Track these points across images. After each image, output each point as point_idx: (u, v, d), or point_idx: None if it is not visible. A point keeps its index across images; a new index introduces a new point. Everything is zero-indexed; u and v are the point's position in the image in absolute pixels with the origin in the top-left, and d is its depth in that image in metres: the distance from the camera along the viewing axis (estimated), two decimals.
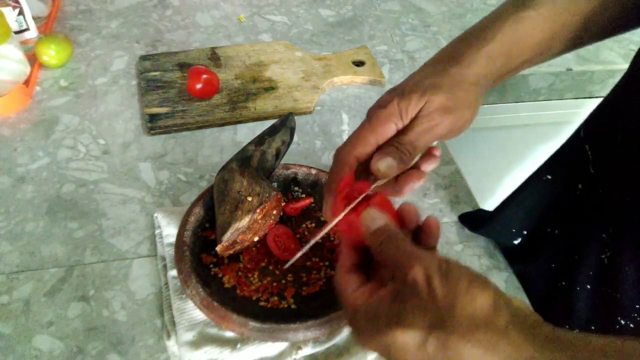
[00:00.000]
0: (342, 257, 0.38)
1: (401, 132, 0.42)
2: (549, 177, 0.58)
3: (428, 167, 0.45)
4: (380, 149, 0.42)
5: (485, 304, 0.29)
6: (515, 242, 0.61)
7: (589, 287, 0.52)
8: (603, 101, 0.54)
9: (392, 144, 0.42)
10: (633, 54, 0.49)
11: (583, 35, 0.47)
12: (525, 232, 0.60)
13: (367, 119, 0.43)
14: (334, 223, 0.40)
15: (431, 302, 0.30)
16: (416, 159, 0.45)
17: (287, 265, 0.48)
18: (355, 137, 0.43)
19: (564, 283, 0.55)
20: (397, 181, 0.44)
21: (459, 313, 0.29)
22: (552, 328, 0.30)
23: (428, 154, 0.45)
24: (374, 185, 0.42)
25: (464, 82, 0.43)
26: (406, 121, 0.42)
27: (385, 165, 0.41)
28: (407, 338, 0.30)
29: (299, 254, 0.43)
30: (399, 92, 0.42)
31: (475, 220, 0.63)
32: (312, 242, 0.42)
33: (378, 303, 0.32)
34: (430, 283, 0.30)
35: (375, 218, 0.36)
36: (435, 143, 0.46)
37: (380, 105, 0.43)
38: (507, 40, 0.45)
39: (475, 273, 0.31)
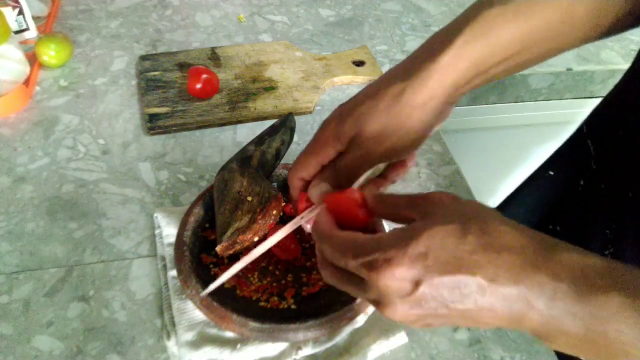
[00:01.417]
0: (332, 227, 0.36)
1: (340, 155, 0.42)
2: (551, 172, 0.58)
3: (395, 177, 0.44)
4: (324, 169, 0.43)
5: (502, 215, 0.32)
6: None
7: None
8: (606, 97, 0.54)
9: (329, 167, 0.42)
10: (633, 54, 0.49)
11: (568, 35, 0.42)
12: None
13: (312, 138, 0.43)
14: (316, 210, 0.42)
15: (462, 206, 0.32)
16: (380, 169, 0.45)
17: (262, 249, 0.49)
18: (299, 160, 0.44)
19: None
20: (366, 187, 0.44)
21: (487, 211, 0.32)
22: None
23: (397, 164, 0.44)
24: (361, 181, 0.43)
25: (405, 104, 0.39)
26: (344, 145, 0.41)
27: (317, 191, 0.41)
28: (448, 231, 0.29)
29: (280, 234, 0.45)
30: (338, 115, 0.42)
31: None
32: (280, 233, 0.44)
33: (402, 228, 0.31)
34: (454, 198, 0.33)
35: (376, 188, 0.39)
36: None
37: (324, 124, 0.43)
38: (470, 46, 0.39)
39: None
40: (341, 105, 0.43)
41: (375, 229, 0.38)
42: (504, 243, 0.29)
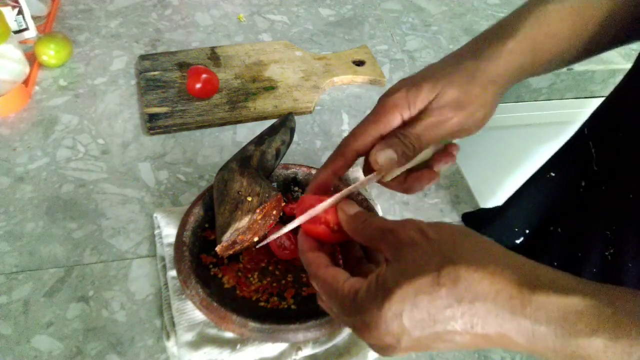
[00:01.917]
0: (314, 258, 0.37)
1: (408, 124, 0.40)
2: (552, 174, 0.58)
3: (443, 166, 0.43)
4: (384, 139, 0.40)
5: (479, 240, 0.31)
6: (517, 241, 0.60)
7: None
8: (607, 98, 0.54)
9: (396, 135, 0.39)
10: (634, 54, 0.49)
11: (604, 35, 0.45)
12: (527, 231, 0.60)
13: (373, 108, 0.41)
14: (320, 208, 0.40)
15: (430, 247, 0.31)
16: (429, 154, 0.43)
17: (259, 245, 0.49)
18: (358, 127, 0.41)
19: None
20: (407, 179, 0.43)
21: (460, 249, 0.30)
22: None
23: (444, 151, 0.43)
24: (378, 176, 0.41)
25: (481, 79, 0.40)
26: (414, 112, 0.40)
27: (384, 157, 0.39)
28: (418, 288, 0.29)
29: (277, 234, 0.43)
30: (410, 81, 0.40)
31: (478, 220, 0.63)
32: (285, 229, 0.42)
33: (378, 276, 0.31)
34: (423, 234, 0.31)
35: (350, 205, 0.37)
36: (455, 140, 0.45)
37: (388, 93, 0.41)
38: (531, 35, 0.42)
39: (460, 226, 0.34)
40: (404, 79, 0.42)
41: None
42: (477, 292, 0.28)
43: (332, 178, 0.42)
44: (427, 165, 0.43)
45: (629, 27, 0.45)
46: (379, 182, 0.43)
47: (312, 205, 0.39)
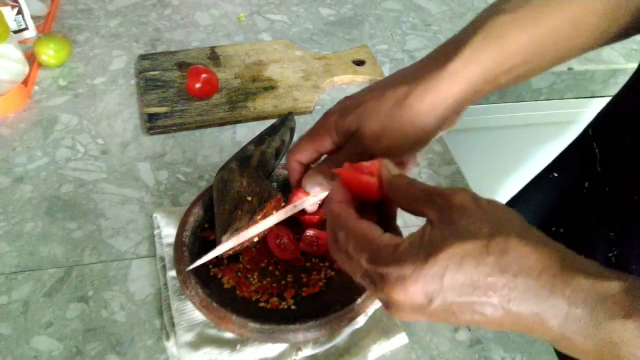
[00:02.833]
0: (343, 209, 0.35)
1: (339, 148, 0.43)
2: (555, 174, 0.57)
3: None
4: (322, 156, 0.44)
5: (525, 221, 0.31)
6: None
7: None
8: (612, 100, 0.54)
9: (325, 161, 0.43)
10: (634, 53, 0.49)
11: (570, 42, 0.41)
12: None
13: (314, 125, 0.44)
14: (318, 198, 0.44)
15: (483, 215, 0.30)
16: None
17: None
18: (298, 144, 0.45)
19: None
20: None
21: (511, 222, 0.30)
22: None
23: (398, 163, 0.43)
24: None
25: (409, 110, 0.39)
26: (341, 139, 0.42)
27: (311, 184, 0.43)
28: (467, 251, 0.29)
29: (273, 218, 0.48)
30: (340, 108, 0.42)
31: None
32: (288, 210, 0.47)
33: (423, 235, 0.30)
34: (477, 202, 0.31)
35: (394, 166, 0.36)
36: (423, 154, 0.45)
37: (325, 115, 0.44)
38: (481, 53, 0.38)
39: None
40: (345, 99, 0.43)
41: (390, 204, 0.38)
42: (523, 265, 0.28)
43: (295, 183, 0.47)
44: None
45: (605, 28, 0.42)
46: None
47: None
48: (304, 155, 0.44)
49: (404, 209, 0.35)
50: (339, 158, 0.42)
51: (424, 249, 0.29)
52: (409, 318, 0.31)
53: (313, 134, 0.44)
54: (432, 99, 0.39)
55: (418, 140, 0.40)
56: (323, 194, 0.46)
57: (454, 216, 0.30)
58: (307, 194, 0.46)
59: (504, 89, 0.43)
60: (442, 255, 0.29)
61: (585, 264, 0.29)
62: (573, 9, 0.39)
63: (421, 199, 0.33)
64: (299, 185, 0.46)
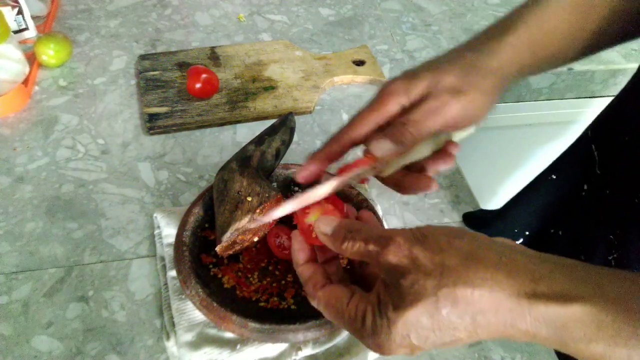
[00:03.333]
0: (310, 274, 0.37)
1: (407, 112, 0.39)
2: (554, 176, 0.57)
3: (442, 166, 0.42)
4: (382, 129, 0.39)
5: (470, 248, 0.31)
6: (517, 242, 0.61)
7: None
8: (612, 102, 0.54)
9: (394, 124, 0.39)
10: (634, 54, 0.49)
11: (605, 31, 0.45)
12: (527, 233, 0.60)
13: (372, 97, 0.41)
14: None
15: (423, 272, 0.30)
16: (427, 152, 0.42)
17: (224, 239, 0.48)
18: (356, 116, 0.40)
19: None
20: (404, 179, 0.42)
21: (452, 266, 0.30)
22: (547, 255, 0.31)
23: (443, 150, 0.42)
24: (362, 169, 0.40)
25: (480, 69, 0.40)
26: (413, 98, 0.39)
27: (381, 148, 0.38)
28: (420, 313, 0.30)
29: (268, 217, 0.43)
30: (408, 72, 0.40)
31: (478, 220, 0.63)
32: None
33: (379, 300, 0.32)
34: (412, 259, 0.31)
35: (326, 222, 0.36)
36: (455, 138, 0.44)
37: (387, 82, 0.40)
38: (531, 31, 0.42)
39: (449, 227, 0.33)
40: (406, 70, 0.41)
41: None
42: (477, 309, 0.29)
43: (325, 163, 0.41)
44: (425, 167, 0.43)
45: (633, 22, 0.45)
46: (376, 176, 0.43)
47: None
48: (363, 128, 0.39)
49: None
50: (411, 118, 0.38)
51: (384, 319, 0.31)
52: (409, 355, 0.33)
53: (374, 103, 0.40)
54: (497, 62, 0.41)
55: (487, 102, 0.40)
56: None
57: (396, 279, 0.31)
58: (366, 163, 0.40)
59: (545, 71, 0.46)
60: (400, 325, 0.30)
61: (549, 280, 0.29)
62: (613, 2, 0.43)
63: (363, 258, 0.34)
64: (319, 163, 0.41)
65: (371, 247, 0.33)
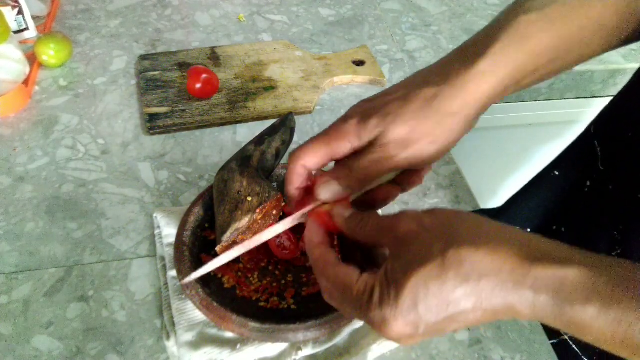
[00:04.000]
0: (322, 254, 0.37)
1: (357, 154, 0.39)
2: (556, 173, 0.57)
3: (410, 186, 0.43)
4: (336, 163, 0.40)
5: (475, 218, 0.33)
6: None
7: None
8: (614, 98, 0.54)
9: (343, 165, 0.39)
10: (634, 54, 0.49)
11: (594, 40, 0.41)
12: (529, 230, 0.60)
13: (329, 128, 0.41)
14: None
15: (430, 235, 0.32)
16: (391, 176, 0.43)
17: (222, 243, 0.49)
18: (306, 146, 0.40)
19: None
20: (366, 198, 0.43)
21: (459, 232, 0.31)
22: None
23: (413, 172, 0.42)
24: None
25: (439, 111, 0.38)
26: (362, 144, 0.39)
27: (328, 192, 0.39)
28: (427, 275, 0.30)
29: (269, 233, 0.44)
30: (363, 110, 0.40)
31: None
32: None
33: (387, 272, 0.32)
34: (421, 224, 0.32)
35: (344, 208, 0.38)
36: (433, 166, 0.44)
37: (344, 118, 0.40)
38: (507, 52, 0.38)
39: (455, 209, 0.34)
40: (363, 102, 0.41)
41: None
42: (481, 269, 0.30)
43: (301, 193, 0.43)
44: (395, 181, 0.43)
45: (625, 28, 0.42)
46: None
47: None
48: (314, 160, 0.40)
49: (366, 246, 0.38)
50: (359, 165, 0.39)
51: (392, 287, 0.31)
52: (407, 344, 0.33)
53: (327, 138, 0.40)
54: (462, 99, 0.38)
55: (444, 146, 0.39)
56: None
57: (405, 245, 0.32)
58: (313, 201, 0.41)
59: (526, 89, 0.43)
60: (408, 289, 0.30)
61: (548, 248, 0.31)
62: (597, 8, 0.39)
63: (374, 236, 0.35)
64: (294, 192, 0.42)
65: (385, 221, 0.34)
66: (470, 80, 0.38)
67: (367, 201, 0.43)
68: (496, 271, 0.30)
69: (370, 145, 0.39)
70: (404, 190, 0.43)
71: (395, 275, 0.31)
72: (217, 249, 0.51)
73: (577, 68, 0.89)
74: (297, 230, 0.57)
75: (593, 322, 0.28)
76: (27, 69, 0.75)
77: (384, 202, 0.43)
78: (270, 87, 0.79)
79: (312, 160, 0.40)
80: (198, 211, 0.55)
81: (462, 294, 0.30)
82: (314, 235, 0.39)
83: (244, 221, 0.51)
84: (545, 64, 0.40)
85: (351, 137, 0.39)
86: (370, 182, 0.40)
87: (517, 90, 0.40)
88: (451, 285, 0.30)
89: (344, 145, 0.39)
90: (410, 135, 0.38)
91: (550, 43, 0.39)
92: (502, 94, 0.39)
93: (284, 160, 0.61)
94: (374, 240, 0.36)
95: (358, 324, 0.51)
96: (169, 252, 0.55)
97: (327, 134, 0.40)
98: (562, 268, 0.29)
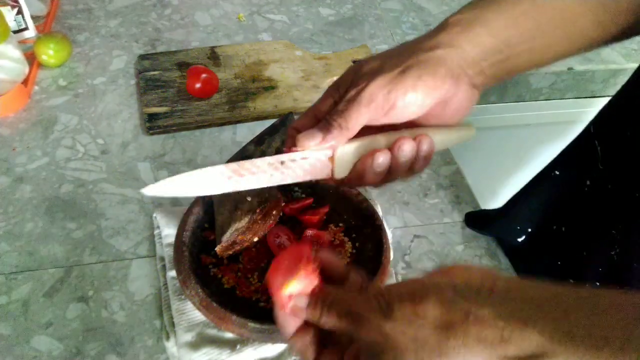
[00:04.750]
0: (303, 347, 0.36)
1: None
2: (557, 172, 0.57)
3: (399, 150, 0.41)
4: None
5: (437, 313, 0.30)
6: (519, 239, 0.60)
7: (597, 283, 0.52)
8: (614, 97, 0.54)
9: (324, 119, 0.40)
10: (634, 53, 0.49)
11: (591, 33, 0.42)
12: (529, 230, 0.60)
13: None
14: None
15: (399, 349, 0.30)
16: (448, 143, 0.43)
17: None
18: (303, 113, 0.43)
19: (571, 280, 0.55)
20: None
21: (425, 339, 0.29)
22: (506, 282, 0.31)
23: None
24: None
25: (414, 48, 0.39)
26: (341, 92, 0.40)
27: (307, 139, 0.39)
28: None
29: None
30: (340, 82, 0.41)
31: (480, 219, 0.63)
32: None
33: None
34: (385, 334, 0.30)
35: (298, 300, 0.36)
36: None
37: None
38: (500, 22, 0.40)
39: (410, 284, 0.32)
40: (374, 58, 0.41)
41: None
42: None
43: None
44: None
45: (624, 21, 0.42)
46: (331, 181, 0.43)
47: (290, 266, 0.37)
48: (301, 122, 0.42)
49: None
50: (337, 108, 0.39)
51: None
52: None
53: (313, 105, 0.43)
54: (458, 52, 0.39)
55: (428, 93, 0.38)
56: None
57: (374, 353, 0.31)
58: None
59: (516, 73, 0.43)
60: None
61: (521, 341, 0.28)
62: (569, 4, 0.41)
63: (341, 332, 0.33)
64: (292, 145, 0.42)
65: (344, 324, 0.33)
66: (463, 39, 0.39)
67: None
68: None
69: (346, 91, 0.40)
70: (395, 156, 0.42)
71: None
72: (217, 249, 0.51)
73: (578, 68, 0.89)
74: (297, 231, 0.57)
75: None
76: (27, 69, 0.75)
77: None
78: (270, 86, 0.78)
79: (299, 122, 0.42)
80: (198, 211, 0.55)
81: None
82: (288, 325, 0.37)
83: (244, 221, 0.51)
84: (530, 38, 0.41)
85: (331, 91, 0.41)
86: (348, 127, 0.39)
87: (507, 70, 0.41)
88: None
89: (327, 101, 0.41)
90: (382, 65, 0.38)
91: (533, 14, 0.40)
92: (490, 59, 0.40)
93: None
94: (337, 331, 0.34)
95: None
96: (168, 252, 0.55)
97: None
98: (542, 337, 0.27)
